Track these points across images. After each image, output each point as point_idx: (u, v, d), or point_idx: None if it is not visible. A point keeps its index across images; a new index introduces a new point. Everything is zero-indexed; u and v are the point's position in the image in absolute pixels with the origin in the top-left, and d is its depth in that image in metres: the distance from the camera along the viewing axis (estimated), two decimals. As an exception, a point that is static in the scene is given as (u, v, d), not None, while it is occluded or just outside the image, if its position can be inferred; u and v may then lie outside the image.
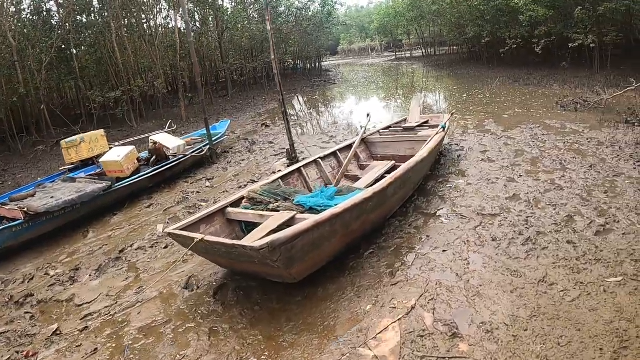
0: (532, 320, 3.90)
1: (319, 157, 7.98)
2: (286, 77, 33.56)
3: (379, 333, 3.98)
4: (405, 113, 12.39)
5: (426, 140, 8.01)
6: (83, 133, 10.76)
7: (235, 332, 4.37)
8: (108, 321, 4.89)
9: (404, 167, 6.31)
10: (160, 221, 7.81)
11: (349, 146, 8.67)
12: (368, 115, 9.94)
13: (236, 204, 5.97)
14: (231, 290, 5.13)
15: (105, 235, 7.61)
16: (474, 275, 4.72)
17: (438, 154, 9.01)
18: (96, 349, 4.42)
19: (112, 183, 8.50)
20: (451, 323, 3.99)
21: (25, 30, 17.00)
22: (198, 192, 9.19)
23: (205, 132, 11.49)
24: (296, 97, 23.93)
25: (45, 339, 4.69)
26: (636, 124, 10.05)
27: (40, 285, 5.97)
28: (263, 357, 3.97)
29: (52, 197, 7.72)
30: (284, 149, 10.48)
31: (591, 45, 17.56)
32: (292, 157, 9.68)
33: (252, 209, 5.75)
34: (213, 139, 11.61)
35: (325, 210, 4.98)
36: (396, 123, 10.63)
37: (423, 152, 7.07)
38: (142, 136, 13.19)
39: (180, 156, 10.36)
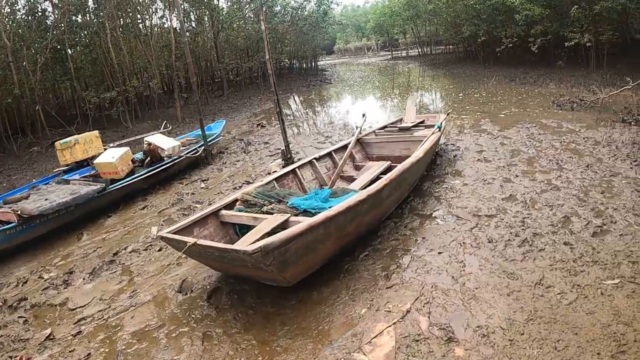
0: (528, 324, 3.85)
1: (314, 158, 7.93)
2: (282, 77, 33.55)
3: (374, 337, 3.93)
4: (401, 112, 12.37)
5: (422, 141, 7.95)
6: (78, 134, 10.74)
7: (229, 337, 4.33)
8: (101, 325, 4.85)
9: (399, 168, 6.27)
10: (154, 223, 7.76)
11: (345, 146, 8.63)
12: (364, 115, 9.90)
13: (230, 206, 5.91)
14: (225, 294, 5.08)
15: (100, 237, 7.57)
16: (469, 278, 4.68)
17: (434, 154, 8.97)
18: (89, 354, 4.38)
19: (106, 185, 8.45)
20: (447, 327, 3.95)
21: (20, 30, 16.93)
22: (193, 194, 9.14)
23: (200, 132, 11.41)
24: (292, 97, 23.94)
25: (39, 344, 4.66)
26: (632, 123, 10.01)
27: (34, 289, 5.93)
28: (256, 362, 3.93)
29: (46, 200, 7.68)
30: (280, 149, 10.44)
31: (587, 44, 17.55)
32: (288, 158, 9.64)
33: (246, 212, 5.70)
34: (208, 139, 11.56)
35: (319, 212, 4.93)
36: (392, 123, 10.60)
37: (419, 153, 7.02)
38: (137, 137, 13.11)
39: (175, 157, 10.29)
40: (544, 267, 4.70)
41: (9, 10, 17.07)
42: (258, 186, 6.26)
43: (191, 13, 25.38)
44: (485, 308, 4.14)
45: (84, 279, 6.07)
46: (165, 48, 22.62)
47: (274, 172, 8.29)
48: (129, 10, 21.36)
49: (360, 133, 9.16)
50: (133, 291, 5.50)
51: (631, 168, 7.28)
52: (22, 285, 6.12)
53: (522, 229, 5.61)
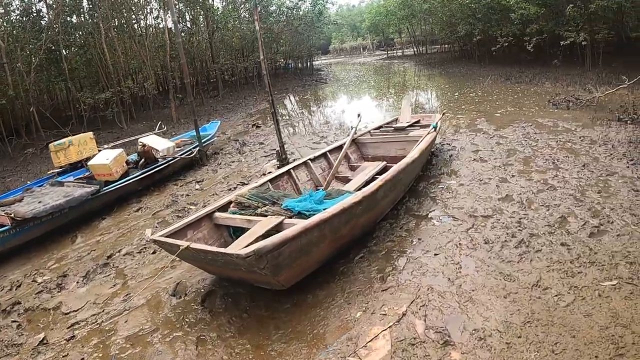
0: (525, 327, 3.81)
1: (309, 159, 7.89)
2: (277, 77, 33.52)
3: (369, 341, 3.88)
4: (397, 112, 12.33)
5: (417, 141, 7.92)
6: (73, 135, 10.68)
7: (223, 341, 4.27)
8: (95, 330, 4.80)
9: (394, 168, 6.22)
10: (148, 225, 7.70)
11: (340, 147, 8.57)
12: (359, 115, 9.86)
13: (224, 208, 5.85)
14: (219, 297, 5.03)
15: (94, 240, 7.50)
16: (466, 280, 4.63)
17: (429, 154, 8.94)
18: (83, 359, 4.33)
19: (100, 187, 8.37)
20: (443, 330, 3.90)
21: (14, 31, 16.84)
22: (187, 195, 9.08)
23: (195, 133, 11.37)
24: (288, 97, 23.90)
25: (32, 349, 4.60)
26: (629, 121, 10.00)
27: (27, 293, 5.87)
28: (251, 367, 3.88)
29: (39, 202, 7.59)
30: (275, 150, 10.38)
31: (583, 42, 17.57)
32: (282, 159, 9.59)
33: (240, 214, 5.64)
34: (203, 140, 11.49)
35: (313, 214, 4.88)
36: (387, 123, 10.55)
37: (414, 153, 6.98)
38: (132, 138, 13.02)
39: (169, 158, 10.23)
40: (541, 269, 4.66)
41: (2, 11, 16.98)
42: (252, 188, 6.21)
43: (186, 13, 25.28)
44: (482, 310, 4.10)
45: (77, 282, 6.00)
46: (160, 48, 22.53)
47: (268, 173, 8.25)
48: (123, 10, 21.27)
49: (355, 133, 9.11)
50: (127, 295, 5.44)
51: (627, 167, 7.26)
52: (15, 289, 6.05)
53: (519, 230, 5.57)
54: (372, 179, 7.08)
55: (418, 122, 10.18)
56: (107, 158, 9.06)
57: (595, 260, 4.68)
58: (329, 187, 7.05)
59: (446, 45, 39.67)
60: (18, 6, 17.75)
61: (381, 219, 6.33)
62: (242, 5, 29.11)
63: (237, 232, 5.56)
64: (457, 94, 18.27)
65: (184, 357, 4.11)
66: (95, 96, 18.17)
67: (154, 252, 6.51)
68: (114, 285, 5.78)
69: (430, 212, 6.54)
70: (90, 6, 19.63)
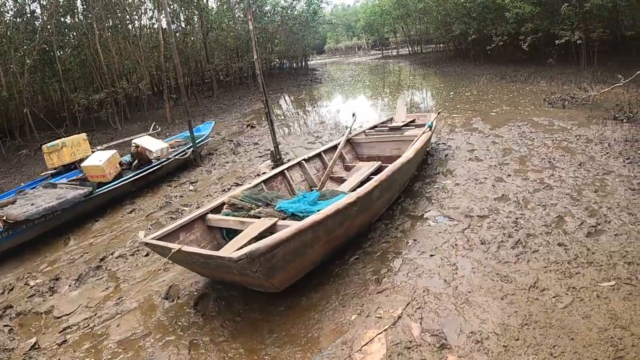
0: (523, 329, 3.75)
1: (303, 159, 7.82)
2: (272, 77, 33.52)
3: (364, 345, 3.82)
4: (392, 111, 12.29)
5: (412, 140, 7.86)
6: (67, 136, 10.62)
7: (216, 345, 4.21)
8: (87, 334, 4.75)
9: (389, 168, 6.16)
10: (142, 227, 7.65)
11: (334, 147, 8.52)
12: (354, 114, 9.80)
13: (217, 210, 5.79)
14: (212, 300, 4.98)
15: (87, 242, 7.46)
16: (462, 281, 4.57)
17: (425, 153, 8.89)
18: (74, 364, 4.25)
19: (93, 188, 8.33)
20: (439, 333, 3.84)
21: (8, 32, 16.74)
22: (181, 197, 9.03)
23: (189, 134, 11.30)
24: (282, 97, 23.86)
25: (24, 354, 4.56)
26: (624, 120, 9.97)
27: (19, 296, 5.83)
28: (244, 372, 3.82)
29: (32, 204, 7.55)
30: (269, 150, 10.32)
31: (578, 41, 17.53)
32: (277, 159, 9.54)
33: (233, 216, 5.58)
34: (197, 141, 11.45)
35: (307, 216, 4.82)
36: (382, 123, 10.50)
37: (409, 153, 6.93)
38: (126, 139, 12.96)
39: (163, 159, 10.18)
40: (538, 269, 4.60)
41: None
42: (245, 189, 6.14)
43: (180, 13, 25.21)
44: (479, 313, 4.03)
45: (70, 285, 5.95)
46: (154, 49, 22.47)
47: (263, 173, 8.19)
48: (117, 11, 21.20)
49: (350, 133, 9.06)
50: (119, 298, 5.39)
51: (624, 166, 7.21)
52: (8, 293, 6.01)
53: (515, 230, 5.51)
54: (367, 179, 7.02)
55: (413, 121, 10.11)
56: (100, 159, 9.01)
57: (593, 261, 4.62)
58: (323, 188, 7.02)
59: (441, 45, 39.70)
60: (12, 7, 17.70)
61: (376, 220, 6.27)
62: (237, 5, 29.06)
63: (231, 234, 5.49)
64: (452, 93, 18.25)
65: (177, 362, 4.04)
66: (89, 97, 18.13)
67: (147, 255, 6.46)
68: (107, 289, 5.73)
69: (425, 212, 6.48)
70: (84, 7, 19.53)
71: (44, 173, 10.32)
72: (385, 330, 3.97)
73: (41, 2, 17.94)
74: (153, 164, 9.94)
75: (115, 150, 9.60)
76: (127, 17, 22.33)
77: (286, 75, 36.60)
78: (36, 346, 4.66)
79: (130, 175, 9.34)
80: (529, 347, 3.56)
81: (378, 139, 9.07)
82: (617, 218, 5.48)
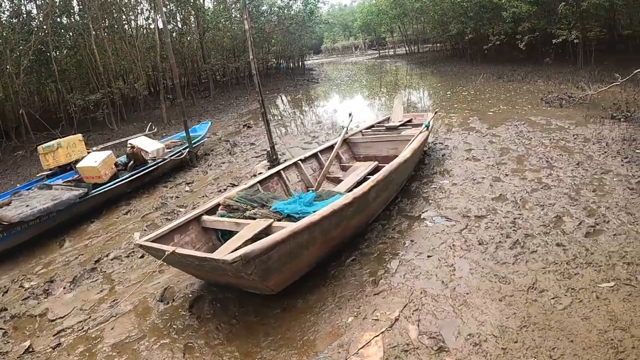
0: (522, 331, 3.70)
1: (300, 159, 7.77)
2: (269, 77, 33.50)
3: (361, 348, 3.76)
4: (389, 111, 12.24)
5: (409, 140, 7.82)
6: (63, 137, 10.57)
7: (211, 349, 4.16)
8: (81, 337, 4.69)
9: (386, 168, 6.11)
10: (137, 229, 7.60)
11: (331, 147, 8.47)
12: (350, 114, 9.76)
13: (212, 211, 5.74)
14: (207, 303, 4.91)
15: (82, 244, 7.38)
16: (460, 283, 4.52)
17: (422, 153, 8.85)
18: (68, 367, 4.20)
19: (88, 189, 8.26)
20: (437, 335, 3.79)
21: (4, 33, 16.68)
22: (177, 197, 8.96)
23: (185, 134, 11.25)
24: (279, 97, 23.82)
25: (18, 357, 4.50)
26: (622, 119, 9.96)
27: (14, 299, 5.76)
28: (239, 375, 3.77)
29: (27, 206, 7.47)
30: (265, 150, 10.26)
31: (575, 40, 17.55)
32: (273, 159, 9.49)
33: (228, 217, 5.52)
34: (193, 141, 11.37)
35: (303, 217, 4.77)
36: (379, 122, 10.46)
37: (406, 153, 6.87)
38: (122, 139, 12.91)
39: (159, 160, 10.12)
40: (537, 270, 4.55)
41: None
42: (241, 190, 6.09)
43: (177, 13, 25.16)
44: (477, 314, 3.99)
45: (64, 287, 5.89)
46: (151, 49, 22.41)
47: (259, 174, 8.14)
48: (113, 11, 21.13)
49: (346, 133, 9.00)
50: (114, 300, 5.32)
51: (622, 165, 7.18)
52: (2, 295, 5.94)
53: (513, 230, 5.47)
54: (364, 179, 6.99)
55: (410, 121, 10.09)
56: (95, 160, 8.94)
57: (592, 261, 4.58)
58: (319, 188, 6.96)
59: (438, 44, 39.70)
60: (8, 8, 17.61)
61: (373, 220, 6.22)
62: (233, 5, 29.01)
63: (226, 235, 5.43)
64: (449, 92, 18.21)
65: (171, 366, 3.99)
66: (85, 98, 18.06)
67: (142, 257, 6.40)
68: (101, 291, 5.67)
69: (423, 212, 6.43)
70: (80, 7, 19.46)
71: (40, 174, 10.24)
72: (382, 332, 3.92)
73: (37, 2, 17.88)
74: (149, 165, 9.87)
75: (110, 151, 9.52)
76: (124, 17, 22.26)
77: (283, 75, 36.58)
78: (30, 349, 4.59)
79: (126, 176, 9.27)
80: (528, 349, 3.51)
81: (375, 138, 9.02)
82: (615, 218, 5.45)
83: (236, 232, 5.05)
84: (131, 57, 21.04)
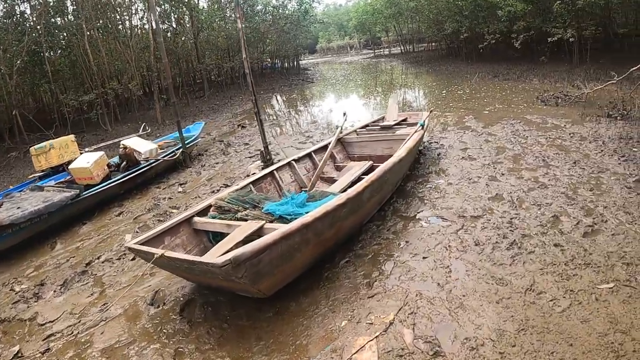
0: (520, 335, 3.61)
1: (293, 159, 7.69)
2: (264, 77, 33.53)
3: (355, 353, 3.67)
4: (384, 111, 12.17)
5: (404, 139, 7.74)
6: (57, 138, 10.49)
7: (201, 353, 4.07)
8: (71, 342, 4.61)
9: (380, 168, 6.02)
10: (129, 230, 7.53)
11: (325, 147, 8.40)
12: (344, 114, 9.68)
13: (203, 212, 5.64)
14: (198, 306, 4.81)
15: (73, 246, 7.31)
16: (456, 285, 4.43)
17: (417, 152, 8.80)
18: (58, 373, 4.13)
19: (80, 191, 8.21)
20: (433, 340, 3.69)
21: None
22: (170, 198, 8.88)
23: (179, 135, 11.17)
24: (274, 97, 23.77)
25: (6, 362, 4.40)
26: (618, 117, 9.91)
27: (4, 303, 5.68)
28: (229, 381, 3.68)
29: (18, 208, 7.43)
30: (259, 150, 10.17)
31: (570, 39, 17.49)
32: (267, 159, 9.41)
33: (220, 218, 5.43)
34: (186, 141, 11.31)
35: (295, 218, 4.67)
36: (373, 122, 10.39)
37: (401, 152, 6.79)
38: (116, 140, 12.85)
39: (152, 161, 10.05)
40: (535, 271, 4.46)
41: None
42: (233, 191, 6.00)
43: (171, 13, 25.07)
44: (474, 318, 3.89)
45: (54, 291, 5.81)
46: (145, 49, 22.32)
47: (252, 174, 8.05)
48: (107, 11, 21.05)
49: (341, 132, 8.93)
50: (104, 304, 5.24)
51: (619, 164, 7.11)
52: (-7, 299, 5.86)
53: (510, 230, 5.39)
54: (358, 179, 6.90)
55: (405, 120, 10.03)
56: (87, 161, 8.90)
57: (590, 262, 4.49)
58: (313, 188, 6.88)
59: (433, 44, 39.81)
60: (1, 8, 17.56)
61: (367, 221, 6.13)
62: (228, 5, 28.95)
63: (217, 237, 5.33)
64: (444, 91, 18.18)
65: (161, 371, 3.90)
66: (79, 98, 17.99)
67: (133, 259, 6.31)
68: (92, 294, 5.58)
69: (418, 213, 6.35)
70: (74, 7, 19.36)
71: (32, 175, 10.17)
72: (376, 337, 3.83)
73: (31, 2, 17.77)
74: (141, 166, 9.81)
75: (103, 152, 9.48)
76: (118, 17, 22.19)
77: (278, 75, 36.65)
78: (19, 354, 4.52)
79: (118, 177, 9.20)
80: (526, 353, 3.42)
81: (369, 138, 8.94)
82: (613, 217, 5.37)
83: (227, 234, 4.96)
84: (125, 58, 20.99)
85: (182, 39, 25.93)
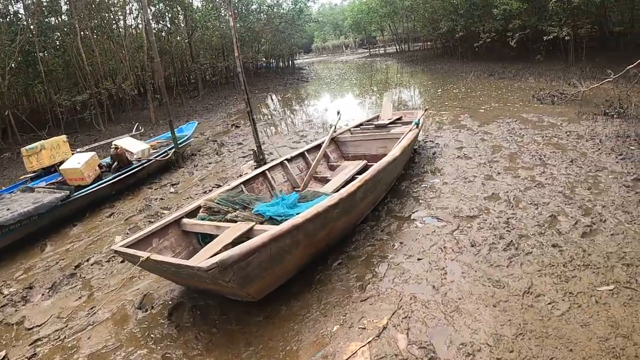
0: (518, 340, 3.49)
1: (286, 159, 7.57)
2: (259, 76, 33.52)
3: (347, 359, 3.54)
4: (379, 110, 12.08)
5: (399, 138, 7.64)
6: (49, 138, 10.37)
7: (189, 359, 3.93)
8: (57, 347, 4.51)
9: (374, 168, 5.90)
10: (120, 232, 7.41)
11: (318, 146, 8.30)
12: (338, 113, 9.58)
13: (193, 213, 5.51)
14: (187, 310, 4.69)
15: (63, 248, 7.19)
16: (452, 287, 4.31)
17: (412, 151, 8.72)
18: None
19: (70, 192, 8.10)
20: (427, 345, 3.57)
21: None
22: (162, 199, 8.76)
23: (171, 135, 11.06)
24: (269, 96, 23.70)
25: (-8, 368, 4.30)
26: (615, 115, 9.85)
27: (-7, 306, 5.56)
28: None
29: (7, 209, 7.33)
30: (253, 150, 10.06)
31: (566, 37, 17.48)
32: (260, 159, 9.30)
33: (209, 220, 5.30)
34: (179, 141, 11.20)
35: (286, 220, 4.54)
36: (368, 120, 10.30)
37: (395, 151, 6.68)
38: (109, 140, 12.73)
39: (144, 161, 9.95)
40: (532, 273, 4.34)
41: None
42: (223, 191, 5.88)
43: (166, 13, 24.97)
44: (470, 322, 3.77)
45: (43, 294, 5.69)
46: (140, 49, 22.25)
47: (245, 174, 7.93)
48: (101, 10, 20.95)
49: (334, 131, 8.83)
50: (91, 308, 5.13)
51: (617, 162, 7.02)
52: (-19, 303, 5.75)
53: (507, 231, 5.27)
54: (352, 178, 6.78)
55: (400, 119, 9.94)
56: (78, 162, 8.80)
57: (589, 263, 4.38)
58: (306, 189, 6.77)
59: (428, 43, 39.91)
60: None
61: (361, 222, 6.02)
62: (222, 4, 28.87)
63: (206, 239, 5.21)
64: (440, 90, 18.11)
65: (146, 378, 3.79)
66: (72, 98, 17.90)
67: (122, 261, 6.20)
68: (80, 298, 5.47)
69: (413, 213, 6.23)
70: (68, 7, 19.25)
71: (23, 176, 10.06)
72: (369, 342, 3.70)
73: (25, 1, 17.65)
74: (133, 166, 9.71)
75: (94, 152, 9.37)
76: (112, 17, 22.09)
77: (273, 75, 36.69)
78: (5, 359, 4.40)
79: (109, 177, 9.09)
80: (524, 359, 3.30)
81: (364, 137, 8.83)
82: (612, 217, 5.27)
83: (217, 236, 4.83)
84: (119, 57, 20.88)
85: (177, 38, 25.82)
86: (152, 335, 4.38)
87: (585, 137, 8.56)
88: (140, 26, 23.44)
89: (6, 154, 15.13)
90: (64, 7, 19.68)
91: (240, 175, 8.47)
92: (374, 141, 8.52)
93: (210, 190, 8.55)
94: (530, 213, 5.66)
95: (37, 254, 7.14)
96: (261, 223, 4.96)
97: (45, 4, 18.10)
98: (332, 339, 3.84)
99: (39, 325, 4.98)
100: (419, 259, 4.95)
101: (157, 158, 10.39)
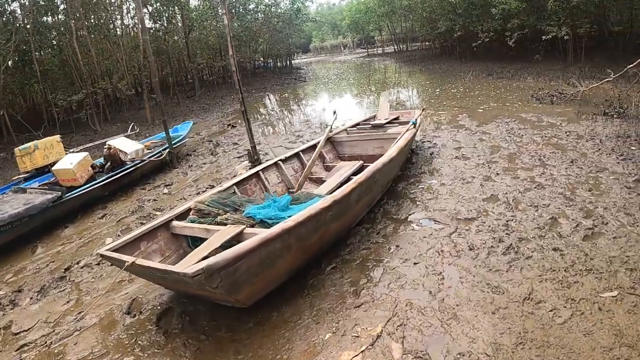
0: (518, 349, 3.34)
1: (280, 159, 7.43)
2: (256, 76, 33.48)
3: (339, 369, 3.40)
4: (377, 109, 11.97)
5: (396, 138, 7.50)
6: (44, 138, 10.26)
7: (176, 368, 3.78)
8: (44, 353, 4.37)
9: (369, 169, 5.76)
10: (111, 234, 7.28)
11: (314, 146, 8.17)
12: (334, 112, 9.44)
13: (183, 216, 5.36)
14: (176, 316, 4.54)
15: (55, 250, 7.05)
16: (449, 293, 4.16)
17: (409, 152, 8.59)
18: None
19: (62, 193, 7.97)
20: (423, 355, 3.42)
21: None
22: (155, 200, 8.63)
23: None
24: (266, 96, 23.62)
25: (-23, 374, 4.16)
26: (615, 115, 9.76)
27: (-19, 311, 5.42)
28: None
29: None
30: (248, 150, 9.93)
31: (565, 37, 17.46)
32: (254, 160, 9.17)
33: (199, 222, 5.15)
34: (174, 141, 11.10)
35: (277, 223, 4.39)
36: (364, 120, 10.17)
37: (392, 151, 6.54)
38: (104, 140, 12.61)
39: (137, 161, 9.83)
40: (533, 278, 4.20)
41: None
42: (215, 193, 5.73)
43: (163, 12, 24.86)
44: (468, 330, 3.62)
45: (31, 297, 5.55)
46: (136, 49, 22.13)
47: (239, 174, 7.79)
48: (98, 10, 20.87)
49: (330, 131, 8.69)
50: (79, 312, 4.98)
51: (618, 163, 6.91)
52: (-30, 306, 5.62)
53: (506, 234, 5.13)
54: (348, 179, 6.63)
55: (397, 118, 9.81)
56: (71, 162, 8.69)
57: (592, 268, 4.23)
58: (301, 190, 6.64)
59: (427, 42, 39.86)
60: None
61: (356, 224, 5.88)
62: (219, 4, 28.77)
63: (197, 242, 5.04)
64: (438, 90, 18.02)
65: (131, 388, 3.65)
66: (68, 98, 17.80)
67: (112, 265, 6.02)
68: (68, 302, 5.33)
69: (409, 215, 6.10)
70: (64, 6, 19.14)
71: (16, 177, 9.93)
72: (362, 351, 3.55)
73: (21, 0, 17.56)
74: (126, 167, 9.59)
75: (87, 153, 9.28)
76: (108, 16, 22.00)
77: (270, 74, 36.68)
78: (-9, 365, 4.26)
79: (102, 178, 8.98)
80: (525, 370, 3.16)
81: (360, 137, 8.70)
82: (614, 219, 5.13)
83: (207, 239, 4.68)
84: (115, 57, 20.77)
85: (175, 37, 25.73)
86: (139, 342, 4.24)
87: (585, 137, 8.45)
88: (138, 26, 23.35)
89: (1, 154, 15.03)
90: (61, 6, 19.55)
91: (234, 176, 8.33)
92: (371, 141, 8.39)
93: (203, 191, 8.41)
94: (530, 215, 5.53)
95: (28, 256, 7.00)
96: (252, 226, 4.80)
97: (41, 3, 17.99)
98: (324, 347, 3.70)
99: (26, 330, 4.84)
100: (415, 263, 4.80)
101: (151, 158, 10.26)
